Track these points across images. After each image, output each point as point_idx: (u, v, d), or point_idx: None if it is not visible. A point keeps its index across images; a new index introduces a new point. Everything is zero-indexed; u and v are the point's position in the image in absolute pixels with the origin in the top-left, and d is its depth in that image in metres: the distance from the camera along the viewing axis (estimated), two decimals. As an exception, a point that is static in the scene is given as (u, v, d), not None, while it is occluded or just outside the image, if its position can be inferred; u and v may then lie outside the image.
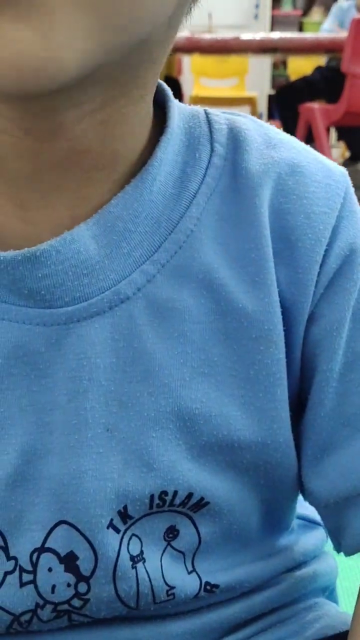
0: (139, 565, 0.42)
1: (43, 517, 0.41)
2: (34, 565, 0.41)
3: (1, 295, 0.40)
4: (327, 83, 4.10)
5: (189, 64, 5.64)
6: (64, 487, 0.40)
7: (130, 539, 0.42)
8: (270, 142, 0.44)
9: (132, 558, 0.42)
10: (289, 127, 3.82)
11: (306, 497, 0.47)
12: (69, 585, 0.42)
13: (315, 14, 6.29)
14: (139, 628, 0.45)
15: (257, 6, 6.36)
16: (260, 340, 0.42)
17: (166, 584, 0.43)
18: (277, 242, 0.42)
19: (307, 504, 0.49)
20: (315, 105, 3.88)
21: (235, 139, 0.44)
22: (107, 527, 0.41)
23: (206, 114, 0.45)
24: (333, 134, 5.08)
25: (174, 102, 0.44)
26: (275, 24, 6.40)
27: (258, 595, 0.48)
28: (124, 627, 0.44)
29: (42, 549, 0.41)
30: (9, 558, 0.41)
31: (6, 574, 0.42)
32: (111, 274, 0.40)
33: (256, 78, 5.91)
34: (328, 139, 4.04)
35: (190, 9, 0.39)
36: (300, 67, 5.35)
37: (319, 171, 0.44)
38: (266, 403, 0.43)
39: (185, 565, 0.44)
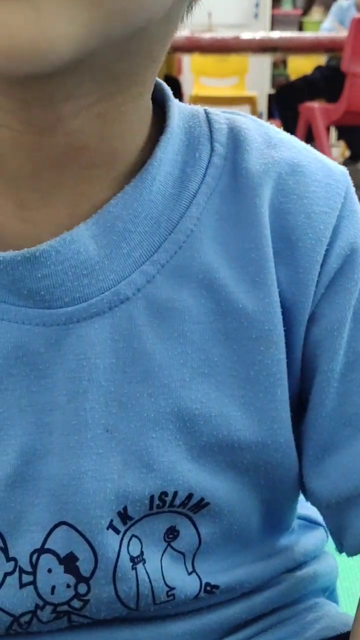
0: (139, 566, 0.42)
1: (43, 518, 0.41)
2: (34, 566, 0.41)
3: (1, 295, 0.39)
4: (327, 82, 4.10)
5: (188, 63, 5.64)
6: (64, 488, 0.40)
7: (130, 539, 0.42)
8: (270, 141, 0.44)
9: (132, 559, 0.42)
10: (289, 127, 3.82)
11: (308, 498, 0.47)
12: (68, 586, 0.42)
13: (315, 13, 6.29)
14: (139, 629, 0.45)
15: (257, 5, 6.36)
16: (260, 340, 0.42)
17: (166, 584, 0.43)
18: (278, 242, 0.42)
19: (307, 504, 0.49)
20: (315, 105, 3.88)
21: (236, 139, 0.44)
22: (107, 528, 0.41)
23: (206, 113, 0.45)
24: (333, 133, 5.08)
25: (173, 102, 0.44)
26: (275, 23, 6.40)
27: (258, 596, 0.48)
28: (123, 628, 0.44)
29: (41, 550, 0.41)
30: (8, 559, 0.41)
31: (6, 575, 0.42)
32: (111, 275, 0.40)
33: (256, 77, 5.91)
34: (328, 139, 4.04)
35: (191, 6, 0.39)
36: (300, 66, 5.35)
37: (319, 171, 0.44)
38: (266, 403, 0.43)
39: (186, 566, 0.44)
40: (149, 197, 0.41)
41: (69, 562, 0.41)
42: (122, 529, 0.42)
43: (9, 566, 0.41)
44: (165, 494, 0.42)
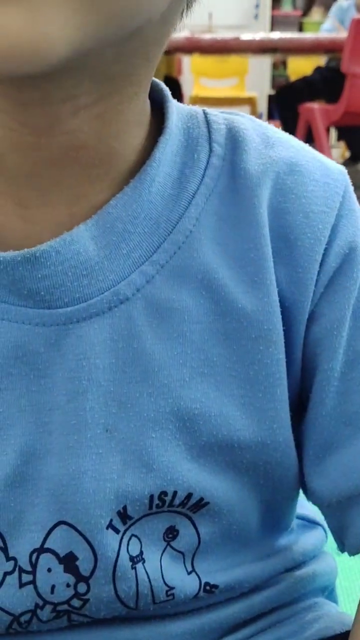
0: (139, 565, 0.42)
1: (42, 518, 0.41)
2: (34, 565, 0.41)
3: (1, 295, 0.40)
4: (327, 83, 4.10)
5: (188, 64, 5.64)
6: (63, 487, 0.40)
7: (129, 539, 0.42)
8: (268, 141, 0.44)
9: (131, 558, 0.42)
10: (289, 127, 3.82)
11: (309, 497, 0.47)
12: (68, 585, 0.42)
13: (315, 14, 6.29)
14: (139, 628, 0.45)
15: (257, 6, 6.36)
16: (259, 340, 0.42)
17: (166, 584, 0.43)
18: (277, 242, 0.42)
19: (306, 503, 0.49)
20: (315, 106, 3.88)
21: (234, 139, 0.44)
22: (107, 528, 0.41)
23: (204, 114, 0.45)
24: (333, 134, 5.08)
25: (172, 103, 0.44)
26: (275, 24, 6.40)
27: (257, 595, 0.48)
28: (123, 627, 0.44)
29: (41, 550, 0.41)
30: (8, 558, 0.41)
31: (5, 574, 0.42)
32: (110, 275, 0.40)
33: (256, 78, 5.91)
34: (328, 139, 4.04)
35: (188, 6, 0.39)
36: (300, 67, 5.35)
37: (317, 170, 0.44)
38: (266, 403, 0.43)
39: (185, 566, 0.44)
40: (148, 198, 0.41)
41: (68, 561, 0.41)
42: (121, 528, 0.42)
43: (9, 566, 0.41)
44: (164, 493, 0.42)
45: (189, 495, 0.42)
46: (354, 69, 3.49)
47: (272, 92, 5.90)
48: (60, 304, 0.40)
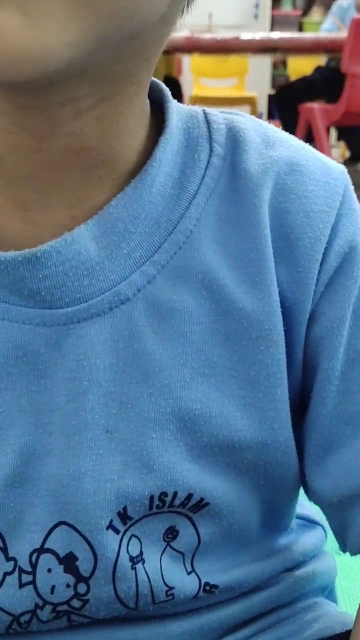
0: (139, 566, 0.42)
1: (42, 518, 0.41)
2: (34, 566, 0.41)
3: (1, 295, 0.40)
4: (327, 83, 4.10)
5: (188, 63, 5.64)
6: (64, 488, 0.40)
7: (129, 539, 0.42)
8: (268, 141, 0.44)
9: (131, 559, 0.42)
10: (289, 127, 3.82)
11: (310, 497, 0.47)
12: (68, 585, 0.42)
13: (315, 14, 6.29)
14: (139, 628, 0.45)
15: (257, 6, 6.35)
16: (260, 340, 0.42)
17: (165, 584, 0.43)
18: (277, 242, 0.42)
19: (306, 503, 0.49)
20: (315, 105, 3.87)
21: (234, 139, 0.44)
22: (107, 528, 0.41)
23: (205, 114, 0.45)
24: (333, 134, 5.08)
25: (172, 103, 0.44)
26: (275, 24, 6.40)
27: (257, 595, 0.48)
28: (123, 627, 0.44)
29: (41, 550, 0.41)
30: (8, 559, 0.41)
31: (5, 574, 0.42)
32: (111, 275, 0.40)
33: (256, 78, 5.90)
34: (328, 139, 4.04)
35: (187, 6, 0.39)
36: (300, 67, 5.34)
37: (317, 169, 0.44)
38: (266, 403, 0.43)
39: (185, 566, 0.44)
40: (149, 198, 0.41)
41: (68, 561, 0.41)
42: (121, 529, 0.42)
43: (9, 566, 0.41)
44: (165, 494, 0.42)
45: (189, 496, 0.42)
46: (354, 69, 3.49)
47: (272, 92, 5.90)
48: (61, 304, 0.40)
